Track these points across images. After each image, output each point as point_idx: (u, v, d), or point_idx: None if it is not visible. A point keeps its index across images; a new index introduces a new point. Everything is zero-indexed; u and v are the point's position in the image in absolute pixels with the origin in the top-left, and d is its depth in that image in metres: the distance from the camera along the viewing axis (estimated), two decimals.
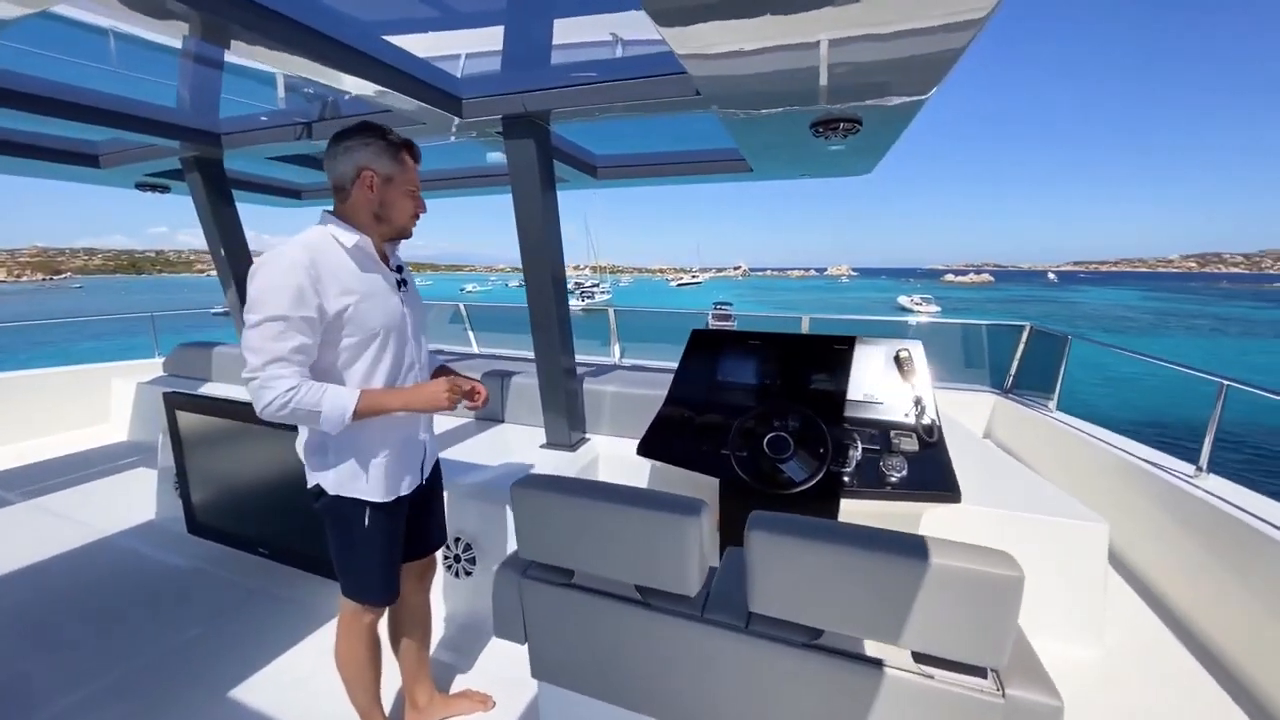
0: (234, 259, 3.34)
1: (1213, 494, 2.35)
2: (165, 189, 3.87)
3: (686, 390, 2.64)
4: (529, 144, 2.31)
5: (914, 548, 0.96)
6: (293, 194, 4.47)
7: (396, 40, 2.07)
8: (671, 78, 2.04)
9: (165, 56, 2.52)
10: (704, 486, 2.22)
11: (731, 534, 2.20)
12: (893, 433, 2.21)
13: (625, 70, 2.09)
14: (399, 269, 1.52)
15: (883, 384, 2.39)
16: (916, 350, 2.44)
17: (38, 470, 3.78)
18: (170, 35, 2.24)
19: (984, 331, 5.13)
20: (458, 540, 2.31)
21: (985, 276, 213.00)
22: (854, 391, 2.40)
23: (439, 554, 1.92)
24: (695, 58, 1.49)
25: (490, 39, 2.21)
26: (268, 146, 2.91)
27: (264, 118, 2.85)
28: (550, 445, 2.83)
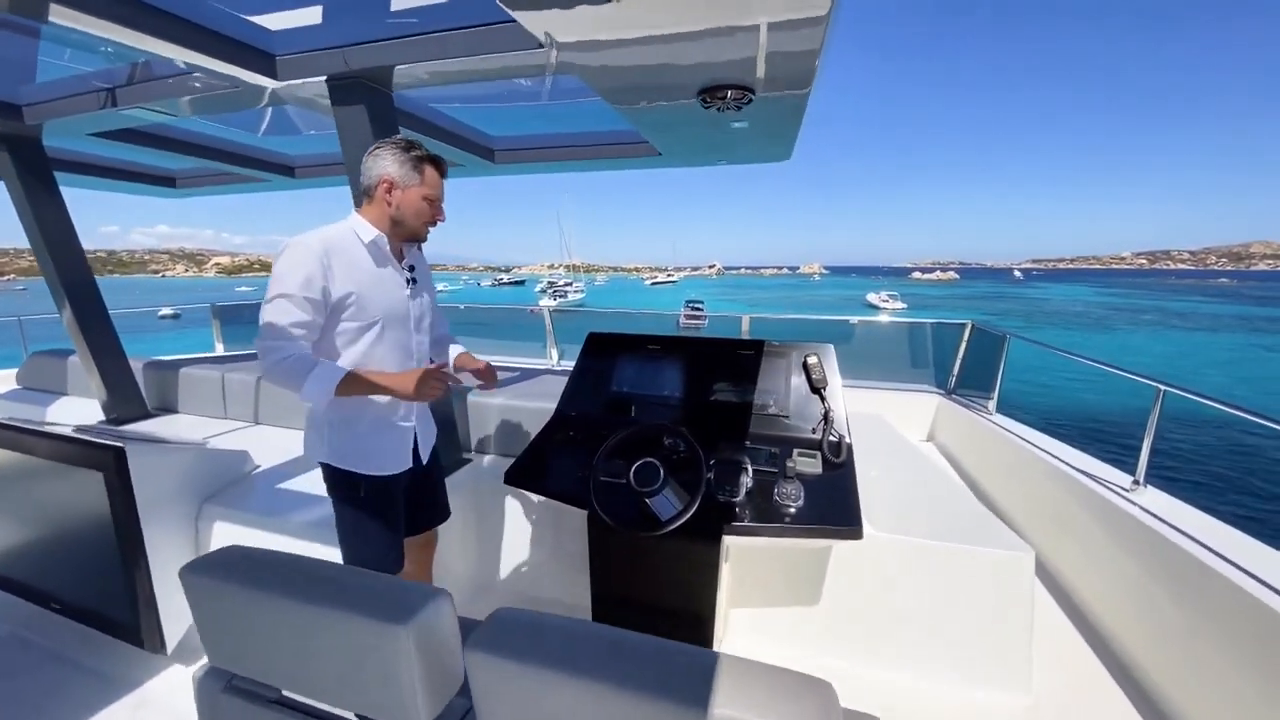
0: (59, 256, 2.83)
1: (1149, 511, 2.12)
2: None
3: (578, 403, 2.30)
4: (359, 112, 1.92)
5: (694, 686, 0.64)
6: (165, 181, 3.97)
7: None
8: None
9: None
10: (576, 520, 1.89)
11: (601, 582, 1.86)
12: (796, 452, 1.90)
13: (470, 15, 1.71)
14: (411, 268, 1.64)
15: (791, 395, 2.10)
16: (827, 356, 2.15)
17: None
18: None
19: (929, 329, 4.94)
20: None
21: (950, 274, 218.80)
22: (759, 403, 2.10)
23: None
24: (562, 45, 1.47)
25: None
26: (79, 119, 2.45)
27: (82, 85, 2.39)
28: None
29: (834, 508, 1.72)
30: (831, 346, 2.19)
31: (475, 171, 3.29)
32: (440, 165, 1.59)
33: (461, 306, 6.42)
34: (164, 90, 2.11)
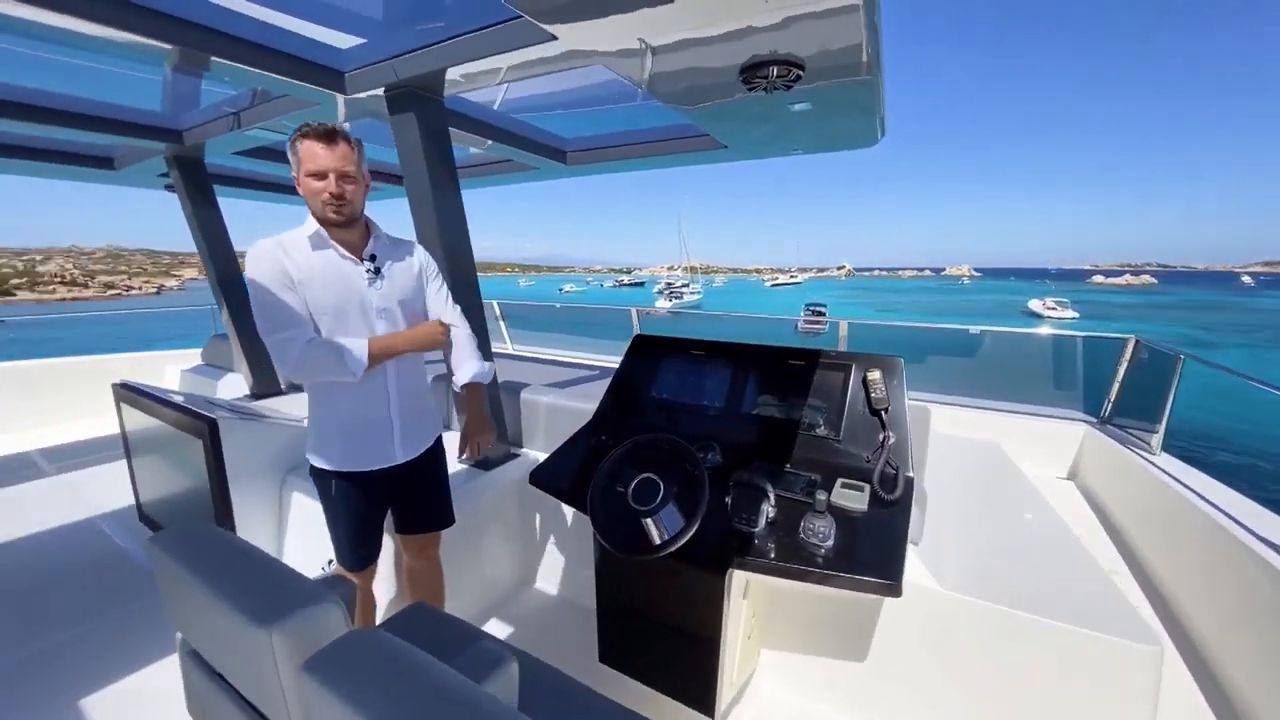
0: (216, 257, 3.41)
1: None
2: None
3: (617, 407, 2.22)
4: (409, 120, 2.01)
5: None
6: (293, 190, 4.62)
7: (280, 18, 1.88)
8: None
9: (128, 60, 2.53)
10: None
11: (607, 591, 1.76)
12: (840, 483, 1.63)
13: (500, 12, 1.70)
14: (374, 257, 1.59)
15: (846, 415, 1.81)
16: (893, 371, 1.83)
17: (80, 448, 4.16)
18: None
19: (1079, 345, 4.10)
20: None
21: (1145, 278, 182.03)
22: (807, 422, 1.85)
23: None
24: (598, 54, 1.54)
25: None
26: (224, 140, 2.91)
27: (228, 108, 2.85)
28: (465, 460, 2.53)
29: (872, 554, 1.43)
30: (901, 360, 1.86)
31: (548, 174, 3.37)
32: (322, 135, 1.42)
33: (557, 305, 6.70)
34: (271, 111, 2.42)
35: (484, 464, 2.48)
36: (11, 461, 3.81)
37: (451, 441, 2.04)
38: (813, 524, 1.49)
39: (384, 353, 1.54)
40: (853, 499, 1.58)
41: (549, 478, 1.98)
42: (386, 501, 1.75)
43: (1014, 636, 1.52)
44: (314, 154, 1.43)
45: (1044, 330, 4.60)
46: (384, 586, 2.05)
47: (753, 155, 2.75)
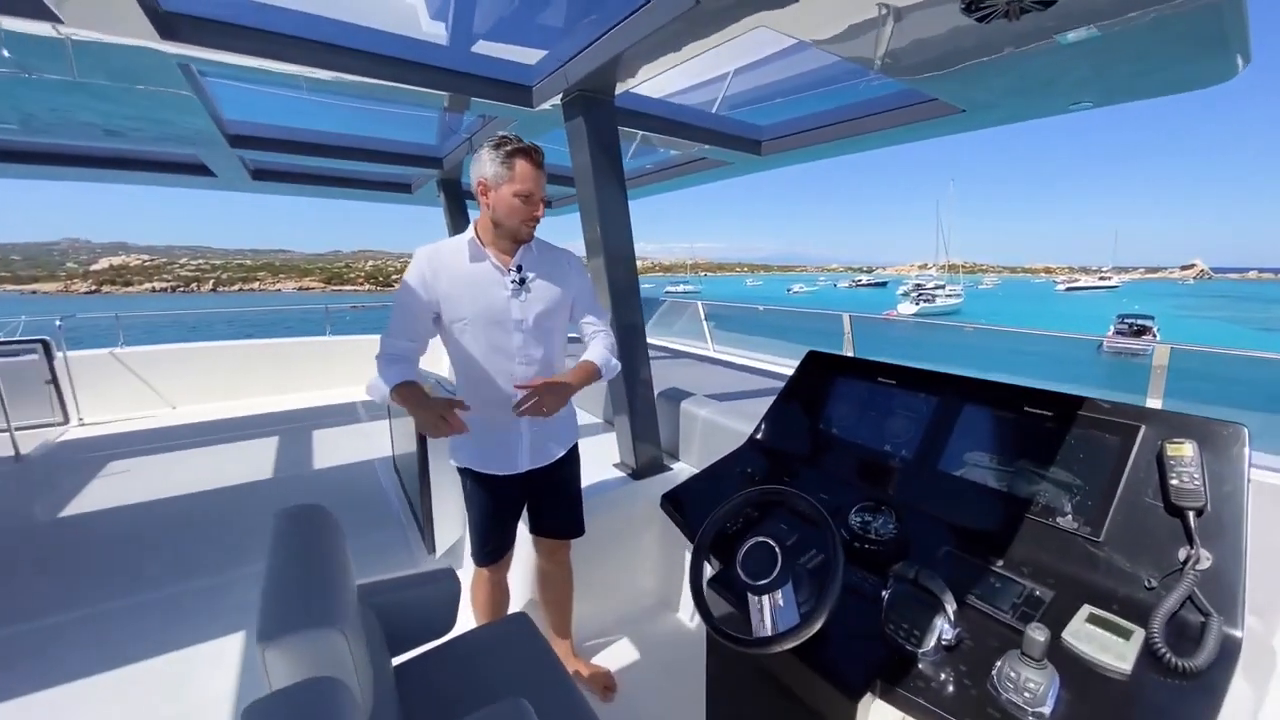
0: None
1: None
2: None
3: (775, 435, 1.90)
4: (579, 124, 2.00)
5: None
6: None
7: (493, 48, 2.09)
8: None
9: (419, 107, 3.10)
10: None
11: (715, 665, 1.46)
12: (1087, 611, 1.06)
13: None
14: (519, 268, 1.59)
15: (1117, 504, 1.17)
16: (1221, 447, 1.11)
17: (379, 404, 5.50)
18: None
19: None
20: None
21: None
22: (1044, 503, 1.25)
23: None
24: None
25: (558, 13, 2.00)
26: (467, 161, 3.44)
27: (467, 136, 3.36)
28: (620, 466, 2.48)
29: None
30: (1243, 430, 1.10)
31: (743, 169, 3.10)
32: (534, 156, 1.48)
33: (760, 308, 6.30)
34: (488, 133, 2.74)
35: (634, 473, 2.40)
36: (343, 408, 5.29)
37: (589, 448, 1.98)
38: (1016, 671, 0.97)
39: (400, 400, 1.51)
40: (1107, 646, 0.98)
41: (681, 504, 1.77)
42: (517, 502, 1.78)
43: None
44: (528, 175, 1.48)
45: None
46: (522, 573, 2.12)
47: (1005, 119, 2.03)
